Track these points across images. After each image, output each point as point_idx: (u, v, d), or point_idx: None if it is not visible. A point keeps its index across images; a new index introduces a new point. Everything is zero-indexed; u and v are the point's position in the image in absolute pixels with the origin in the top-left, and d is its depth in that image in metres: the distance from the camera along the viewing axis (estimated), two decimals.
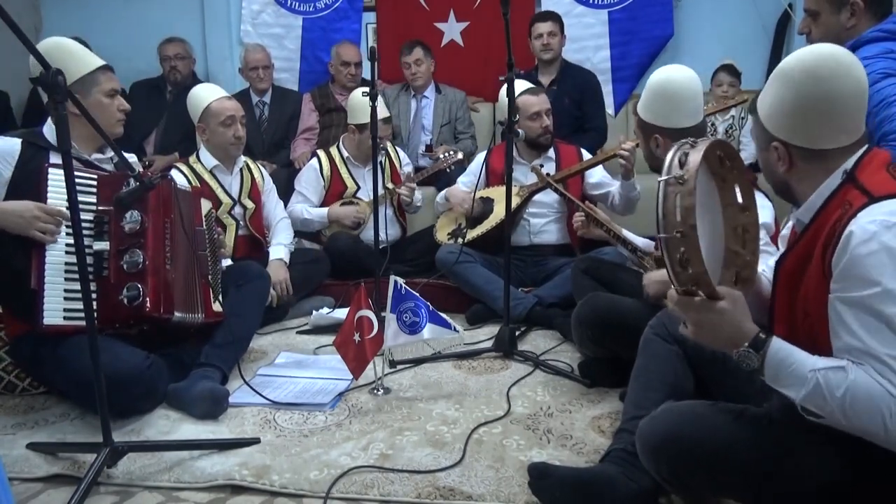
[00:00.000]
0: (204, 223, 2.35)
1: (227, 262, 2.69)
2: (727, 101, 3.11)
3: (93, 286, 1.95)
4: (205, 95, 2.93)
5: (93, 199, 2.03)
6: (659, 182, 1.16)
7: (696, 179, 1.12)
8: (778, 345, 1.17)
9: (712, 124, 3.85)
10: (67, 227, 1.96)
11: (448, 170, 3.51)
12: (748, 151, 3.57)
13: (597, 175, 3.12)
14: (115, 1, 4.72)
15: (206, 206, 2.39)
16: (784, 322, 1.28)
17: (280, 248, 3.03)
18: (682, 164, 1.15)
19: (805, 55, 1.25)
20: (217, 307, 2.29)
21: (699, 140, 1.21)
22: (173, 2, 4.72)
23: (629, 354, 1.72)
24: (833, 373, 1.12)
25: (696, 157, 1.15)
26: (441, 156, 3.48)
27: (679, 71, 2.07)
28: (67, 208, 1.95)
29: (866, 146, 1.25)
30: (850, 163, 1.23)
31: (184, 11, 4.69)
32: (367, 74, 3.76)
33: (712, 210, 1.34)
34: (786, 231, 1.46)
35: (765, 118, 1.28)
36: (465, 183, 3.32)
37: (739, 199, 1.35)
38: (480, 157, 3.27)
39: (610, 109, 4.37)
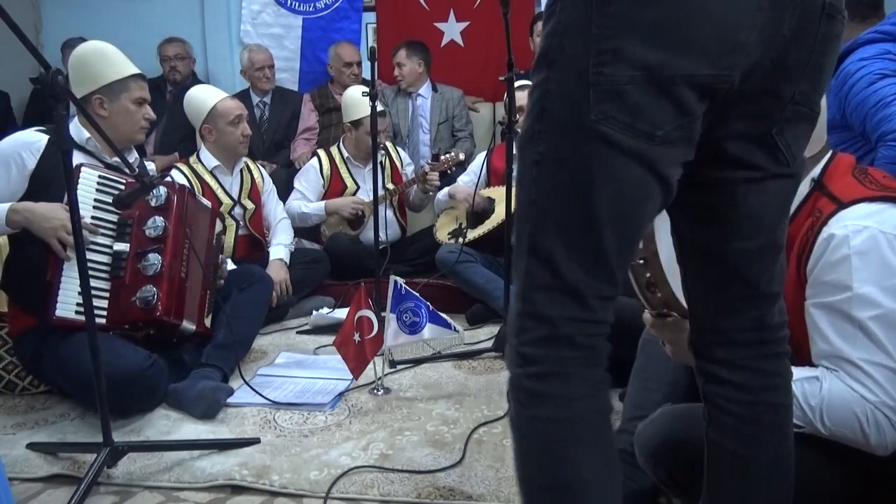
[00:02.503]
0: (214, 241, 2.38)
1: (230, 266, 2.69)
2: None
3: (107, 285, 2.01)
4: (207, 97, 2.93)
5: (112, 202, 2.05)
6: None
7: None
8: None
9: None
10: (102, 228, 2.03)
11: (449, 171, 3.52)
12: None
13: None
14: (115, 1, 4.72)
15: (218, 226, 2.43)
16: None
17: (280, 248, 3.03)
18: None
19: None
20: (207, 322, 2.31)
21: None
22: (173, 2, 4.72)
23: (629, 354, 1.72)
24: (808, 383, 1.13)
25: None
26: (442, 157, 3.49)
27: None
28: (96, 207, 2.01)
29: (830, 153, 1.25)
30: (816, 171, 1.24)
31: (184, 11, 4.69)
32: (366, 74, 3.76)
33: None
34: None
35: None
36: (467, 182, 3.33)
37: None
38: (481, 157, 3.26)
39: None
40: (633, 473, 1.43)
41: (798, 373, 1.15)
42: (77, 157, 2.06)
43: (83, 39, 4.31)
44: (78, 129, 2.13)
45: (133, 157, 2.28)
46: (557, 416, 0.89)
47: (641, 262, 1.14)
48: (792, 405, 1.00)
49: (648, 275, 1.15)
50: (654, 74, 0.79)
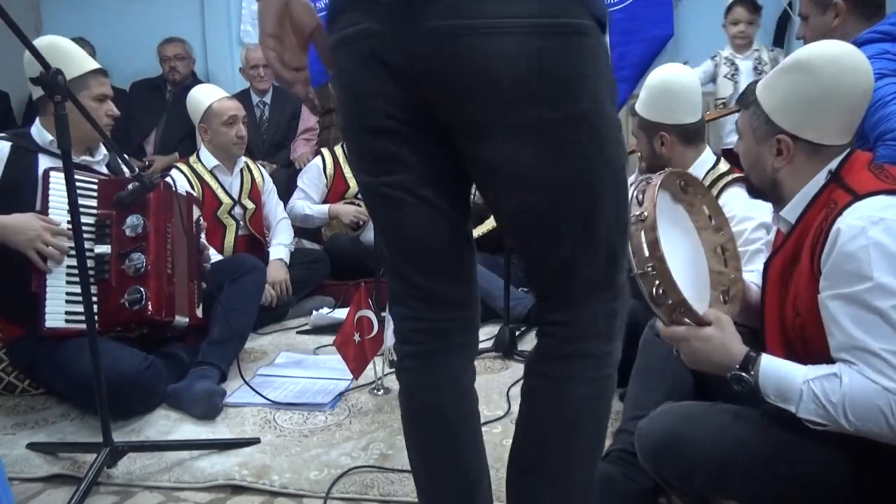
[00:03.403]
0: (194, 228, 2.35)
1: (216, 256, 2.67)
2: (729, 109, 3.04)
3: (94, 290, 1.95)
4: (205, 96, 2.94)
5: (93, 202, 2.02)
6: None
7: (654, 213, 1.16)
8: (767, 362, 1.18)
9: (733, 63, 3.64)
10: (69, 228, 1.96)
11: None
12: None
13: None
14: (115, 1, 4.72)
15: (195, 212, 2.39)
16: (775, 324, 1.29)
17: (280, 248, 3.03)
18: (640, 202, 1.19)
19: (826, 48, 1.25)
20: (199, 313, 2.29)
21: (654, 175, 1.26)
22: (173, 2, 4.71)
23: (629, 354, 1.72)
24: (827, 381, 1.12)
25: (651, 191, 1.20)
26: None
27: (677, 68, 2.10)
28: (69, 212, 1.96)
29: (849, 149, 1.26)
30: (834, 164, 1.24)
31: (184, 11, 4.69)
32: None
33: (689, 236, 1.36)
34: (770, 236, 1.46)
35: (773, 110, 1.27)
36: None
37: (712, 221, 1.38)
38: None
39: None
40: (634, 473, 1.43)
41: (813, 371, 1.15)
42: (43, 162, 2.02)
43: (83, 40, 4.33)
44: (40, 132, 2.08)
45: (101, 153, 2.22)
46: (404, 404, 1.09)
47: (650, 269, 1.15)
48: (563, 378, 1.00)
49: (657, 282, 1.16)
50: (346, 132, 1.02)
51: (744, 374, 1.18)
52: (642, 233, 1.16)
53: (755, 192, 1.38)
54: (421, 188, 0.98)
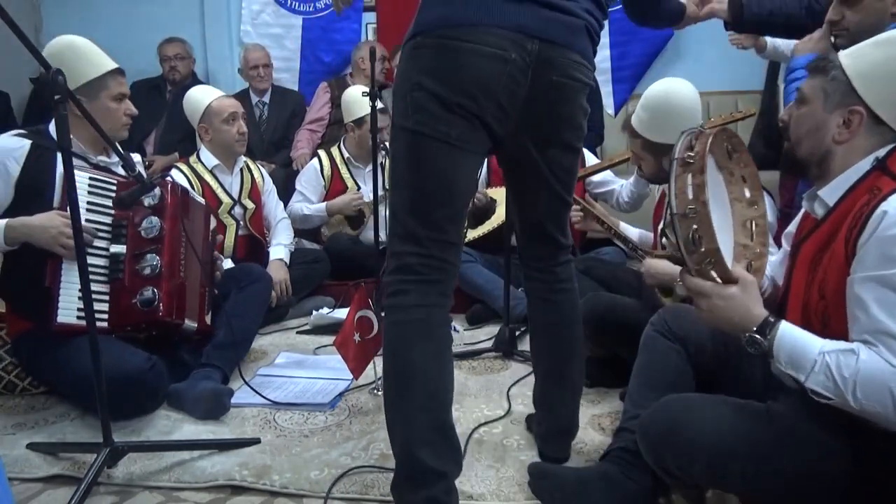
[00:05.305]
0: (210, 237, 2.38)
1: (228, 264, 2.69)
2: (733, 116, 2.98)
3: (106, 288, 1.99)
4: (203, 96, 2.94)
5: (111, 202, 2.04)
6: (671, 160, 1.18)
7: (706, 159, 1.15)
8: (786, 328, 1.18)
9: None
10: (97, 231, 2.00)
11: None
12: None
13: (599, 174, 3.12)
14: (115, 1, 4.72)
15: (212, 222, 2.42)
16: (798, 306, 1.29)
17: (280, 248, 3.04)
18: (690, 147, 1.18)
19: None
20: (207, 320, 2.30)
21: (707, 128, 1.24)
22: (173, 2, 4.72)
23: (629, 354, 1.72)
24: (843, 355, 1.12)
25: (704, 140, 1.19)
26: None
27: (676, 84, 2.09)
28: (89, 210, 1.98)
29: None
30: (882, 151, 1.24)
31: (184, 11, 4.70)
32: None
33: (722, 205, 1.35)
34: (791, 228, 1.46)
35: (859, 77, 1.25)
36: None
37: (747, 194, 1.37)
38: None
39: (609, 110, 4.37)
40: (634, 473, 1.43)
41: (830, 344, 1.15)
42: (61, 160, 2.03)
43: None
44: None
45: (115, 156, 2.21)
46: (399, 319, 1.35)
47: (691, 210, 1.13)
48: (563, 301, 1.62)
49: (695, 227, 1.14)
50: (441, 99, 1.29)
51: (759, 336, 1.18)
52: (689, 175, 1.15)
53: (795, 164, 1.35)
54: (481, 152, 1.38)
